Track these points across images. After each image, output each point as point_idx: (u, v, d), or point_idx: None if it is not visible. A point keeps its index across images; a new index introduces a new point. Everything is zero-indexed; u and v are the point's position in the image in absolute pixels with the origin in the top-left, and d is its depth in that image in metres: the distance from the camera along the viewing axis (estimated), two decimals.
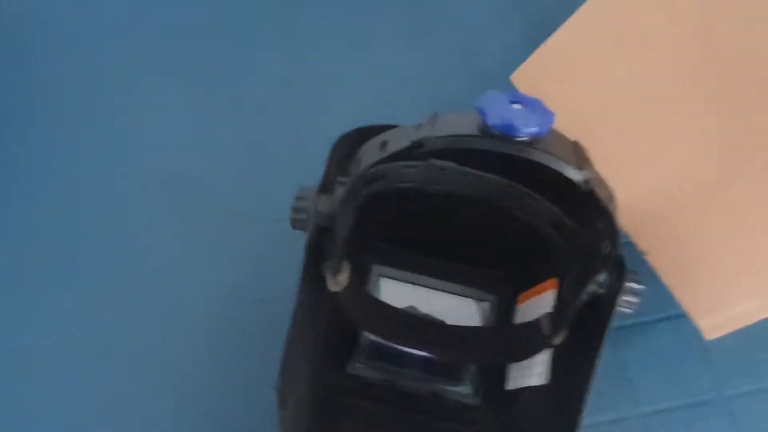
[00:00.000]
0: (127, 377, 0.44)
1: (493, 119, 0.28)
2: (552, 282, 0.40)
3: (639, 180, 0.39)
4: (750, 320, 0.37)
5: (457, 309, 0.44)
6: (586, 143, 0.42)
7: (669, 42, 0.36)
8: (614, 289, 0.32)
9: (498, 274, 0.45)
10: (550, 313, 0.38)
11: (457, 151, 0.30)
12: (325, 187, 0.34)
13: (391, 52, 0.56)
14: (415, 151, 0.30)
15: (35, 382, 0.43)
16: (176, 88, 0.53)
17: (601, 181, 0.31)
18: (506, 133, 0.28)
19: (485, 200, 0.34)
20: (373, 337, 0.42)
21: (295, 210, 0.33)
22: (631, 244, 0.43)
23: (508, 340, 0.40)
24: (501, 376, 0.42)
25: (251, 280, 0.47)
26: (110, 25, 0.56)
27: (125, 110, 0.52)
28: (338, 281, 0.36)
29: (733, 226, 0.35)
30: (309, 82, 0.55)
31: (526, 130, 0.28)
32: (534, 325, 0.37)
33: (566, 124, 0.43)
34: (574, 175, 0.29)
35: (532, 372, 0.39)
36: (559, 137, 0.30)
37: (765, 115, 0.33)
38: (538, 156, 0.29)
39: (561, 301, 0.38)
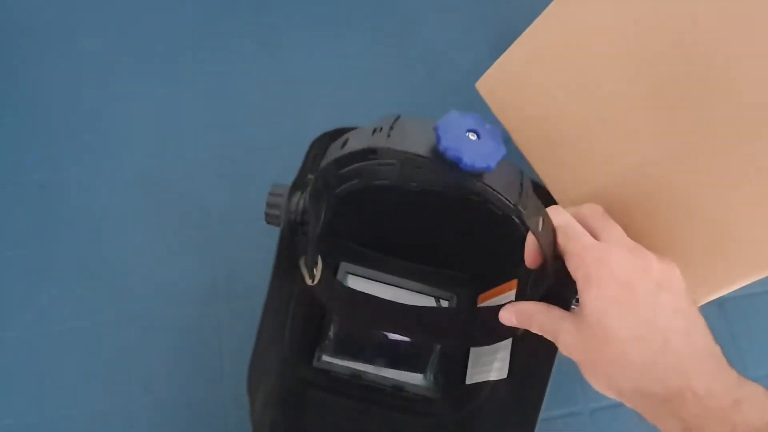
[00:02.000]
0: (100, 371, 0.44)
1: (444, 145, 0.28)
2: (512, 283, 0.42)
3: (593, 182, 0.41)
4: None
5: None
6: (543, 145, 0.44)
7: (619, 47, 0.38)
8: (569, 288, 0.34)
9: (460, 275, 0.47)
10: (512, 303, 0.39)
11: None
12: (299, 184, 0.35)
13: (364, 61, 0.58)
14: (369, 155, 0.30)
15: (6, 373, 0.44)
16: (156, 90, 0.54)
17: (535, 205, 0.32)
18: (454, 162, 0.28)
19: (459, 196, 0.35)
20: (339, 332, 0.43)
21: (268, 205, 0.34)
22: None
23: (473, 323, 0.41)
24: (461, 372, 0.44)
25: (226, 278, 0.47)
26: (93, 29, 0.56)
27: (105, 111, 0.53)
28: (314, 275, 0.37)
29: (675, 222, 0.38)
30: (285, 87, 0.56)
31: (472, 164, 0.28)
32: (498, 309, 0.38)
33: (525, 128, 0.45)
34: (509, 210, 0.30)
35: (492, 367, 0.41)
36: (507, 169, 0.31)
37: (710, 123, 0.35)
38: (478, 188, 0.29)
39: (523, 296, 0.40)
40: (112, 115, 0.53)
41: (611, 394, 0.31)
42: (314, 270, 0.37)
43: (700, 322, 0.30)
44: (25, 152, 0.51)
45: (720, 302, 0.51)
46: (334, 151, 0.32)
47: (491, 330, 0.38)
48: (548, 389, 0.36)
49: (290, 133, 0.54)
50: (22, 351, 0.44)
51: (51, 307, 0.46)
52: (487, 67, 0.53)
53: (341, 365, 0.43)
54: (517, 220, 0.31)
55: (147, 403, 0.43)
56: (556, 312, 0.33)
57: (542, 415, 0.46)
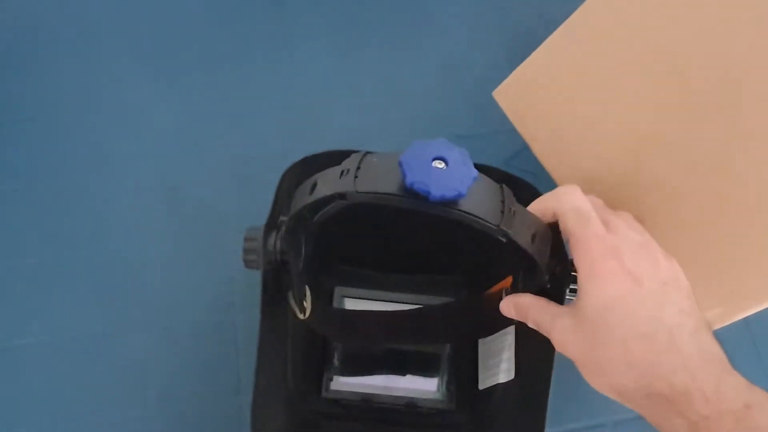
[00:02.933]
0: (116, 377, 0.44)
1: (411, 180, 0.28)
2: (507, 280, 0.41)
3: (612, 192, 0.40)
4: (712, 328, 0.38)
5: None
6: (563, 155, 0.44)
7: (645, 56, 0.37)
8: (562, 281, 0.33)
9: (456, 279, 0.46)
10: (508, 290, 0.39)
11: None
12: (272, 224, 0.35)
13: (379, 68, 0.58)
14: (338, 200, 0.30)
15: (26, 380, 0.44)
16: (170, 98, 0.54)
17: (522, 220, 0.31)
18: (423, 196, 0.28)
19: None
20: (344, 357, 0.43)
21: (245, 251, 0.34)
22: None
23: (476, 312, 0.41)
24: (473, 378, 0.43)
25: (243, 285, 0.47)
26: (109, 37, 0.57)
27: (120, 119, 0.53)
28: (304, 308, 0.37)
29: (697, 239, 0.37)
30: (300, 93, 0.56)
31: (440, 194, 0.28)
32: (497, 297, 0.38)
33: (545, 138, 0.45)
34: (491, 230, 0.29)
35: (500, 369, 0.41)
36: (484, 189, 0.31)
37: (729, 135, 0.35)
38: (453, 215, 0.29)
39: (515, 290, 0.39)
40: (128, 121, 0.53)
41: (612, 394, 0.29)
42: (304, 303, 0.37)
43: (705, 323, 0.29)
44: (42, 159, 0.51)
45: (746, 320, 0.49)
46: (302, 197, 0.32)
47: (495, 317, 0.37)
48: (552, 384, 0.35)
49: (306, 139, 0.54)
50: (36, 359, 0.45)
51: (66, 314, 0.46)
52: (503, 75, 0.52)
53: (351, 391, 0.43)
54: (504, 239, 0.30)
55: (162, 412, 0.44)
56: (552, 308, 0.31)
57: (564, 427, 0.45)
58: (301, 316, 0.38)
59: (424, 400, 0.43)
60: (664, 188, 0.38)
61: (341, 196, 0.29)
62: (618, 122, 0.40)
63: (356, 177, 0.29)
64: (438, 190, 0.28)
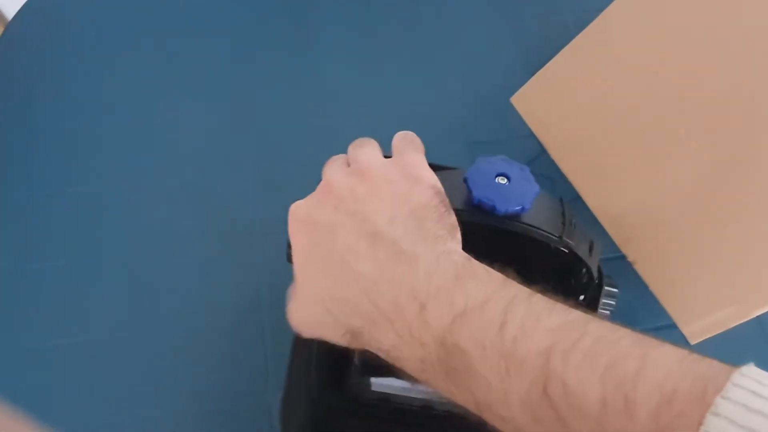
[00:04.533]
0: (147, 376, 0.45)
1: (477, 197, 0.30)
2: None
3: (630, 195, 0.41)
4: (728, 326, 0.39)
5: None
6: (582, 160, 0.45)
7: (662, 67, 0.38)
8: (595, 293, 0.34)
9: None
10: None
11: None
12: None
13: (396, 75, 0.59)
14: None
15: (61, 380, 0.45)
16: (196, 106, 0.56)
17: (581, 231, 0.32)
18: (489, 210, 0.30)
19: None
20: (366, 357, 0.43)
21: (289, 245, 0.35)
22: (621, 255, 0.45)
23: None
24: None
25: (270, 287, 0.48)
26: (134, 46, 0.58)
27: (148, 126, 0.55)
28: None
29: (713, 240, 0.38)
30: (319, 100, 0.57)
31: (506, 209, 0.29)
32: None
33: (564, 143, 0.46)
34: (553, 241, 0.31)
35: None
36: (544, 201, 0.32)
37: (745, 139, 0.36)
38: (518, 228, 0.30)
39: None
40: (156, 128, 0.55)
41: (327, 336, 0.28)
42: None
43: (398, 212, 0.26)
44: (71, 164, 0.52)
45: (759, 319, 0.50)
46: None
47: None
48: None
49: (327, 145, 0.55)
50: (71, 359, 0.45)
51: (97, 315, 0.47)
52: (519, 81, 0.53)
53: (370, 390, 0.43)
54: (566, 250, 0.31)
55: (194, 411, 0.44)
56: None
57: None
58: None
59: (439, 402, 0.43)
60: (681, 190, 0.39)
61: None
62: (635, 127, 0.41)
63: None
64: (503, 204, 0.29)
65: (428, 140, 0.56)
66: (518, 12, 0.62)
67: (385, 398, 0.43)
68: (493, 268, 0.42)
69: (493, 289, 0.23)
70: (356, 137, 0.56)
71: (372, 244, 0.25)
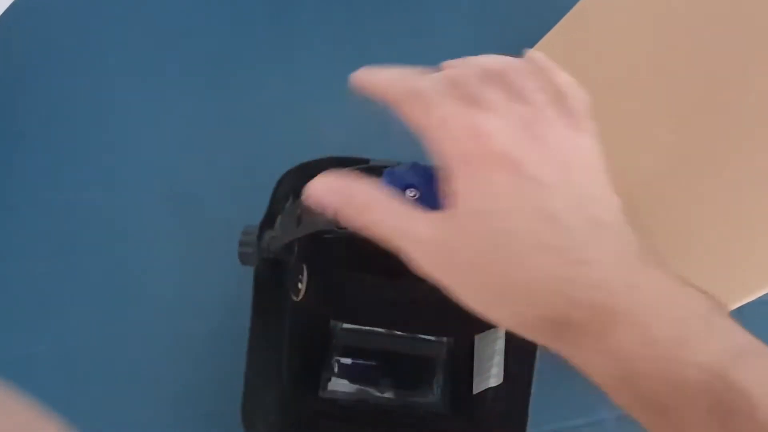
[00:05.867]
0: (128, 384, 0.46)
1: None
2: None
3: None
4: None
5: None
6: None
7: (636, 55, 0.38)
8: None
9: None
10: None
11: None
12: (269, 221, 0.36)
13: None
14: (324, 235, 0.31)
15: (37, 387, 0.45)
16: (175, 108, 0.56)
17: None
18: None
19: None
20: (342, 360, 0.44)
21: (241, 245, 0.35)
22: None
23: (463, 313, 0.41)
24: (469, 382, 0.44)
25: (247, 290, 0.48)
26: (114, 51, 0.58)
27: (127, 129, 0.55)
28: (298, 290, 0.38)
29: (688, 235, 0.38)
30: (305, 102, 0.57)
31: None
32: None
33: None
34: None
35: (491, 374, 0.41)
36: None
37: (710, 132, 0.36)
38: None
39: None
40: (134, 132, 0.55)
41: (514, 327, 0.22)
42: (298, 285, 0.39)
43: (621, 213, 0.21)
44: (53, 171, 0.53)
45: (739, 309, 0.50)
46: (290, 229, 0.33)
47: None
48: (534, 387, 0.35)
49: (310, 146, 0.54)
50: (50, 365, 0.46)
51: (76, 322, 0.47)
52: None
53: (348, 392, 0.44)
54: None
55: (173, 416, 0.45)
56: (410, 210, 0.22)
57: (566, 423, 0.46)
58: (295, 298, 0.39)
59: (419, 403, 0.44)
60: (658, 185, 0.39)
61: (326, 231, 0.31)
62: (611, 121, 0.41)
63: None
64: None
65: (416, 141, 0.56)
66: (506, 12, 0.62)
67: (364, 399, 0.43)
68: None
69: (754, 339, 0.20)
70: (340, 139, 0.56)
71: (597, 228, 0.20)
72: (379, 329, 0.45)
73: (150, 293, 0.49)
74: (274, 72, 0.59)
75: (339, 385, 0.44)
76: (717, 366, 0.18)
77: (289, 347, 0.42)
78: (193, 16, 0.61)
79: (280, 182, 0.38)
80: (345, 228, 0.28)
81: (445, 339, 0.45)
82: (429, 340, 0.45)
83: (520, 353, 0.38)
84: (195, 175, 0.53)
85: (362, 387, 0.44)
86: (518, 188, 0.20)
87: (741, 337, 0.20)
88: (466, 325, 0.43)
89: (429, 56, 0.60)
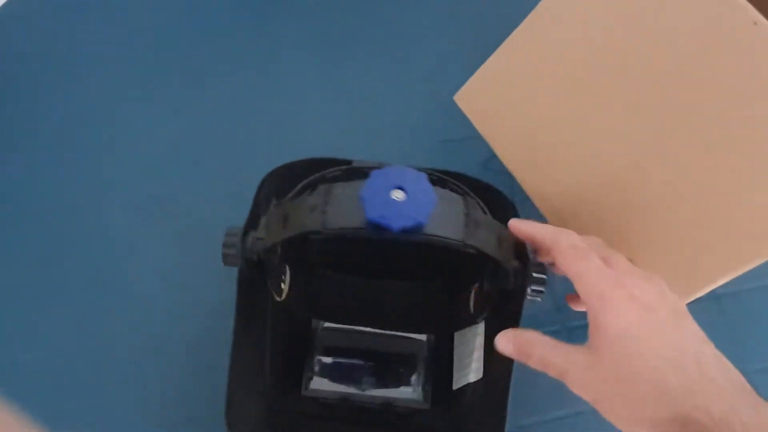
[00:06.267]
0: (114, 389, 0.46)
1: (371, 215, 0.29)
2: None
3: (563, 181, 0.42)
4: None
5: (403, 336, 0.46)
6: (524, 153, 0.46)
7: (599, 55, 0.39)
8: (522, 280, 0.35)
9: (436, 285, 0.46)
10: (475, 293, 0.41)
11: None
12: (252, 223, 0.36)
13: (360, 78, 0.60)
14: (311, 236, 0.31)
15: (23, 395, 0.45)
16: (158, 114, 0.56)
17: (487, 227, 0.33)
18: (384, 228, 0.29)
19: None
20: (324, 359, 0.44)
21: (225, 246, 0.35)
22: None
23: (444, 311, 0.42)
24: (449, 378, 0.44)
25: (232, 293, 0.48)
26: (96, 59, 0.59)
27: (111, 136, 0.55)
28: (281, 290, 0.38)
29: (651, 228, 0.39)
30: (285, 107, 0.57)
31: (402, 227, 0.29)
32: (464, 300, 0.39)
33: (506, 137, 0.47)
34: (458, 247, 0.31)
35: (470, 369, 0.42)
36: (445, 206, 0.32)
37: (676, 130, 0.37)
38: (418, 239, 0.30)
39: (482, 290, 0.41)
40: (119, 138, 0.55)
41: (640, 429, 0.28)
42: (281, 285, 0.39)
43: (720, 353, 0.29)
44: (38, 178, 0.53)
45: (716, 298, 0.52)
46: (276, 230, 0.33)
47: (460, 316, 0.40)
48: (513, 382, 0.36)
49: (293, 150, 0.55)
50: (36, 373, 0.46)
51: (61, 328, 0.47)
52: None
53: (330, 390, 0.44)
54: (472, 251, 0.31)
55: (162, 420, 0.45)
56: (562, 346, 0.30)
57: (547, 416, 0.47)
58: (278, 299, 0.39)
59: (400, 400, 0.44)
60: (620, 181, 0.40)
61: (313, 233, 0.31)
62: (572, 118, 0.42)
63: (324, 212, 0.31)
64: (398, 222, 0.29)
65: (398, 141, 0.58)
66: (482, 15, 0.63)
67: (346, 397, 0.43)
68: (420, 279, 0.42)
69: None
70: (322, 140, 0.56)
71: (716, 360, 0.28)
72: (361, 328, 0.45)
73: (135, 297, 0.49)
74: (256, 76, 0.59)
75: (321, 384, 0.44)
76: None
77: (272, 347, 0.42)
78: (176, 21, 0.61)
79: (262, 183, 0.39)
80: (331, 228, 0.28)
81: (425, 337, 0.46)
82: (410, 338, 0.46)
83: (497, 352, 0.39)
84: (179, 179, 0.53)
85: (344, 385, 0.44)
86: (649, 323, 0.28)
87: None
88: (446, 323, 0.44)
89: (408, 53, 0.61)
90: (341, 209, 0.31)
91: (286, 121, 0.57)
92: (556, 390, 0.46)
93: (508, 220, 0.36)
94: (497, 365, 0.39)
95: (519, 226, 0.34)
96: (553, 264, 0.35)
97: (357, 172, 0.39)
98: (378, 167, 0.32)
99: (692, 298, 0.39)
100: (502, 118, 0.46)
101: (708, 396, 0.26)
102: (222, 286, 0.48)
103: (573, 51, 0.40)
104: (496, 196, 0.40)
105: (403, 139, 0.57)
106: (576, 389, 0.29)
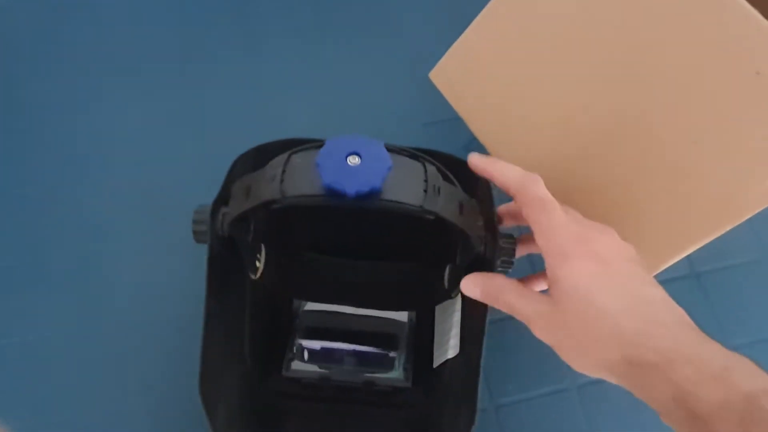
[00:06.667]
0: (98, 373, 0.46)
1: (327, 180, 0.29)
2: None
3: (545, 156, 0.42)
4: None
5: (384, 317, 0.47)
6: (497, 128, 0.46)
7: (565, 35, 0.39)
8: (491, 251, 0.35)
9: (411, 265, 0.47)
10: (450, 267, 0.41)
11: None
12: (221, 200, 0.36)
13: (343, 63, 0.60)
14: (270, 205, 0.31)
15: (5, 380, 0.45)
16: (141, 102, 0.56)
17: (448, 194, 0.32)
18: (340, 193, 0.29)
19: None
20: (305, 343, 0.44)
21: (195, 222, 0.35)
22: None
23: (420, 288, 0.43)
24: (430, 357, 0.45)
25: None
26: (78, 46, 0.59)
27: (95, 122, 0.55)
28: (256, 268, 0.38)
29: (619, 200, 0.39)
30: (270, 93, 0.57)
31: (357, 191, 0.29)
32: (440, 276, 0.40)
33: (480, 112, 0.47)
34: (415, 212, 0.31)
35: (449, 346, 0.42)
36: (405, 171, 0.32)
37: (636, 104, 0.37)
38: (374, 206, 0.30)
39: (455, 266, 0.41)
40: (101, 127, 0.55)
41: (594, 371, 0.30)
42: (256, 263, 0.39)
43: (667, 295, 0.31)
44: (18, 166, 0.53)
45: (697, 275, 0.52)
46: (239, 202, 0.33)
47: (435, 290, 0.40)
48: (482, 361, 0.36)
49: (275, 136, 0.55)
50: (20, 358, 0.46)
51: (44, 314, 0.48)
52: None
53: (312, 371, 0.44)
54: (431, 217, 0.31)
55: (146, 402, 0.45)
56: (528, 293, 0.32)
57: (531, 393, 0.48)
58: (253, 276, 0.39)
59: (382, 378, 0.44)
60: (592, 153, 0.40)
61: (273, 202, 0.31)
62: (544, 94, 0.42)
63: (282, 181, 0.31)
64: (353, 187, 0.29)
65: (383, 124, 0.57)
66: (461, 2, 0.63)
67: (326, 377, 0.43)
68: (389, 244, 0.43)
69: None
70: (304, 124, 0.56)
71: (665, 302, 0.30)
72: (342, 309, 0.45)
73: (118, 282, 0.49)
74: (238, 60, 0.59)
75: (302, 366, 0.44)
76: (751, 393, 0.26)
77: (251, 327, 0.42)
78: (158, 9, 0.60)
79: (235, 163, 0.38)
80: (290, 196, 0.30)
81: (406, 318, 0.46)
82: (391, 319, 0.46)
83: (470, 322, 0.39)
84: (161, 168, 0.53)
85: (326, 366, 0.44)
86: (606, 274, 0.30)
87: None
88: (423, 299, 0.44)
89: (389, 42, 0.61)
90: (299, 177, 0.31)
91: (269, 105, 0.57)
92: (537, 368, 0.48)
93: (483, 196, 0.36)
94: (470, 342, 0.39)
95: (478, 162, 0.34)
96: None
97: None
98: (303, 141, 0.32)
99: (663, 267, 0.39)
100: (476, 93, 0.46)
101: (656, 337, 0.28)
102: (203, 271, 0.49)
103: (544, 24, 0.40)
104: (470, 170, 0.40)
105: (386, 121, 0.57)
106: (538, 335, 0.31)
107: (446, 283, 0.43)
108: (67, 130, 0.55)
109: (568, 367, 0.32)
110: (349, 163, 0.30)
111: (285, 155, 0.33)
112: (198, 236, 0.35)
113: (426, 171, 0.33)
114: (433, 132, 0.57)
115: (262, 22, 0.61)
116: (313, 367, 0.44)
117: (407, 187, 0.31)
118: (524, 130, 0.43)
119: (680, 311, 0.30)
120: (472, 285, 0.34)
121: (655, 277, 0.33)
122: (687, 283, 0.52)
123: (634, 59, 0.37)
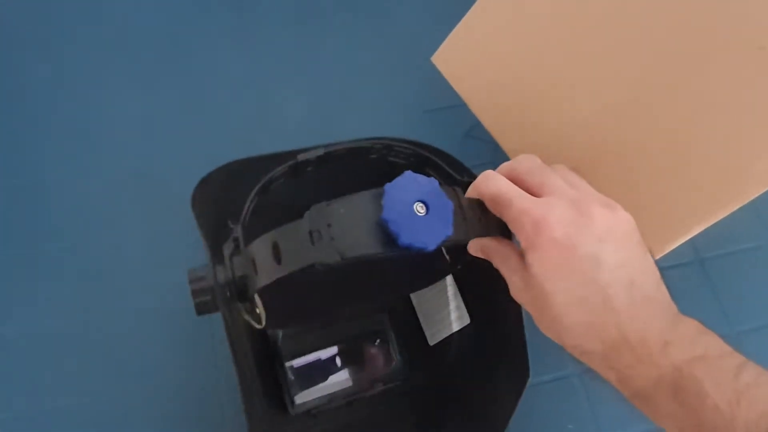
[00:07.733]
0: (96, 362, 0.46)
1: (405, 239, 0.26)
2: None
3: (547, 139, 0.42)
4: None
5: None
6: (500, 109, 0.45)
7: (570, 11, 0.39)
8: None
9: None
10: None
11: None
12: (216, 255, 0.31)
13: (341, 50, 0.59)
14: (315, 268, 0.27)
15: (4, 369, 0.45)
16: (137, 91, 0.56)
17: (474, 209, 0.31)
18: (393, 236, 0.26)
19: None
20: (294, 363, 0.43)
21: (196, 294, 0.30)
22: None
23: (420, 265, 0.39)
24: (420, 340, 0.44)
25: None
26: (74, 34, 0.58)
27: (92, 112, 0.55)
28: (258, 316, 0.34)
29: (622, 180, 0.39)
30: (265, 82, 0.57)
31: (435, 245, 0.27)
32: (440, 253, 0.38)
33: (482, 94, 0.46)
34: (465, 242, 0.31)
35: (451, 319, 0.42)
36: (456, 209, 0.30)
37: (643, 85, 0.37)
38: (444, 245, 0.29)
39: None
40: (97, 115, 0.55)
41: (573, 353, 0.32)
42: (257, 310, 0.34)
43: (645, 268, 0.30)
44: (14, 155, 0.52)
45: (702, 261, 0.52)
46: (269, 268, 0.28)
47: (437, 267, 0.39)
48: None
49: (272, 127, 0.55)
50: (18, 346, 0.46)
51: (47, 303, 0.47)
52: None
53: (318, 397, 0.43)
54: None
55: (142, 391, 0.45)
56: (511, 261, 0.32)
57: (532, 380, 0.47)
58: (258, 326, 0.34)
59: (384, 375, 0.44)
60: (587, 132, 0.40)
61: (323, 265, 0.27)
62: (549, 73, 0.41)
63: (332, 239, 0.26)
64: (433, 241, 0.27)
65: (385, 112, 0.57)
66: None
67: (333, 397, 0.43)
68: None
69: (728, 351, 0.28)
70: (300, 116, 0.55)
71: (629, 286, 0.29)
72: (317, 326, 0.44)
73: (115, 272, 0.49)
74: (233, 49, 0.59)
75: (305, 397, 0.43)
76: (679, 365, 0.27)
77: (258, 370, 0.41)
78: (156, 2, 0.60)
79: (193, 203, 0.35)
80: (342, 259, 0.26)
81: (385, 310, 0.45)
82: (369, 317, 0.45)
83: (494, 294, 0.36)
84: (158, 157, 0.53)
85: (326, 384, 0.43)
86: (566, 264, 0.30)
87: (713, 346, 0.28)
88: (396, 290, 0.43)
89: (387, 29, 0.60)
90: (358, 234, 0.27)
91: (265, 94, 0.56)
92: (540, 354, 0.47)
93: (464, 183, 0.34)
94: (501, 308, 0.37)
95: (482, 189, 0.32)
96: None
97: (308, 165, 0.34)
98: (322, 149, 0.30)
99: (668, 249, 0.39)
100: (480, 74, 0.45)
101: (603, 327, 0.29)
102: (200, 259, 0.48)
103: (549, 1, 0.39)
104: (447, 158, 0.38)
105: (386, 109, 0.57)
106: (515, 298, 0.32)
107: (447, 258, 0.42)
108: (61, 119, 0.54)
109: (570, 355, 0.32)
110: (417, 213, 0.27)
111: (319, 207, 0.28)
112: (202, 308, 0.30)
113: (457, 196, 0.31)
114: (432, 119, 0.57)
115: (259, 11, 0.61)
116: (316, 394, 0.43)
117: (459, 221, 0.30)
118: (528, 111, 0.43)
119: (646, 287, 0.30)
120: (473, 246, 0.35)
121: (660, 262, 0.33)
122: (691, 269, 0.51)
123: (637, 36, 0.36)
